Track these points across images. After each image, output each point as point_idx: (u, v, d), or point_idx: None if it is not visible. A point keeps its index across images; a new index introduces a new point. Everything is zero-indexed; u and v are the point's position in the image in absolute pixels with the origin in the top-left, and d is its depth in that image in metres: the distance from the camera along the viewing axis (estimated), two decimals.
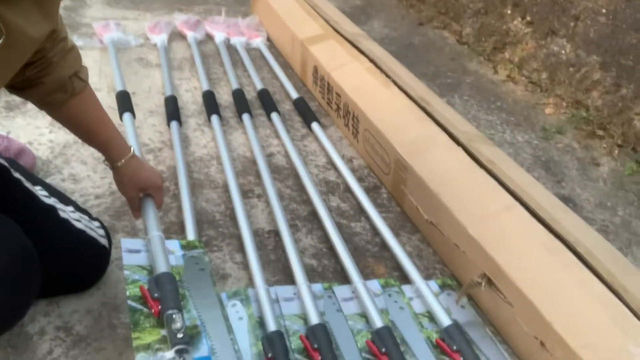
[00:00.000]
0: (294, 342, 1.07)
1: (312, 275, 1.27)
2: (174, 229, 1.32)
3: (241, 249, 1.29)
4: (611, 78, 1.97)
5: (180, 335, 0.91)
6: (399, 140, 1.53)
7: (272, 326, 1.07)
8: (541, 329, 1.07)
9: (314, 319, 1.10)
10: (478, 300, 1.26)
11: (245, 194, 1.49)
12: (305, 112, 1.87)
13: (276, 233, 1.36)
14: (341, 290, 1.22)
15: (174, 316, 0.93)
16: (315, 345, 1.05)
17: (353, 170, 1.64)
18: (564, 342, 1.02)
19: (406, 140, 1.53)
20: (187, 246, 1.16)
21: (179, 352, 0.89)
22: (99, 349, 1.04)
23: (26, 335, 1.04)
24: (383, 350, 1.06)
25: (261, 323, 1.09)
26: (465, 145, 1.47)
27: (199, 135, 1.71)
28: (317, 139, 1.77)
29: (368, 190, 1.56)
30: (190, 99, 1.88)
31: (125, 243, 1.08)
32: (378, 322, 1.11)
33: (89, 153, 1.51)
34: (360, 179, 1.61)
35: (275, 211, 1.39)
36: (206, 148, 1.65)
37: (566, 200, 1.65)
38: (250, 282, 1.20)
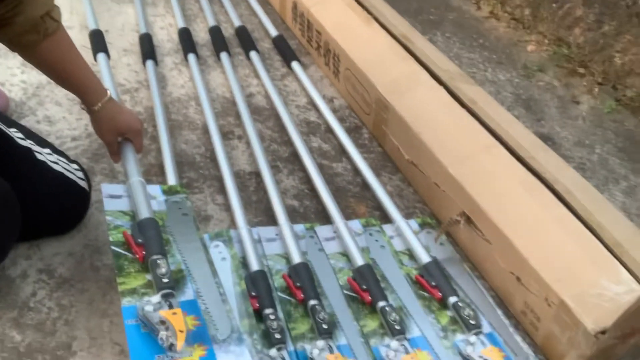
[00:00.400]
0: (277, 281, 1.09)
1: (293, 215, 1.27)
2: (154, 171, 1.31)
3: (222, 190, 1.29)
4: (594, 14, 1.95)
5: (165, 280, 0.91)
6: (380, 80, 1.51)
7: (255, 266, 1.08)
8: (517, 265, 1.10)
9: (296, 259, 1.11)
10: (457, 238, 1.29)
11: (225, 135, 1.47)
12: (285, 50, 1.83)
13: (257, 174, 1.35)
14: (323, 230, 1.23)
15: (158, 261, 0.93)
16: (298, 284, 1.07)
17: (334, 111, 1.62)
18: (539, 276, 1.05)
19: (387, 79, 1.51)
20: (169, 191, 1.15)
21: (165, 297, 0.90)
22: (83, 290, 1.04)
23: (8, 278, 1.04)
24: (364, 287, 1.09)
25: (244, 263, 1.11)
26: (447, 84, 1.46)
27: (176, 74, 1.67)
28: (297, 78, 1.74)
29: (349, 131, 1.56)
30: (166, 37, 1.83)
31: (106, 188, 1.07)
32: (359, 260, 1.14)
33: (63, 94, 1.47)
34: (341, 119, 1.60)
35: (256, 152, 1.38)
36: (184, 88, 1.62)
37: (545, 138, 1.66)
38: (233, 224, 1.21)
